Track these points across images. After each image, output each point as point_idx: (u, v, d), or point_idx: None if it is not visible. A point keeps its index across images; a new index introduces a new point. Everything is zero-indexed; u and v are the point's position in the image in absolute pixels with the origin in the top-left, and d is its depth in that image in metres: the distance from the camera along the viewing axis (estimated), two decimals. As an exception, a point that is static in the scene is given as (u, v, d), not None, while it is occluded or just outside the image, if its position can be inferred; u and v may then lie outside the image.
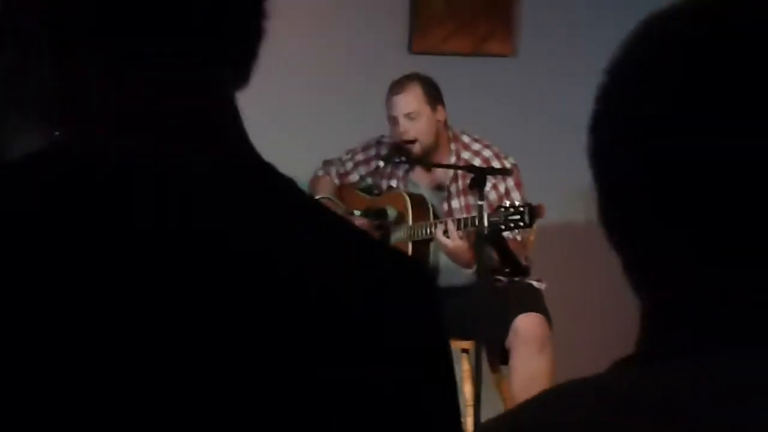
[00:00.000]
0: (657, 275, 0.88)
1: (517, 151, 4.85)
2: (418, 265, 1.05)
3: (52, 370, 0.91)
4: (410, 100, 4.74)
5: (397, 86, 4.77)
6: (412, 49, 5.60)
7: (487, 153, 4.80)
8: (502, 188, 4.71)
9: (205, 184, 0.99)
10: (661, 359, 0.86)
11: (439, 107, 4.79)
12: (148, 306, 0.93)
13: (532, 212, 4.34)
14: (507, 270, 4.73)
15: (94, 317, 0.92)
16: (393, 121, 4.79)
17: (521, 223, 4.35)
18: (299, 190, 1.03)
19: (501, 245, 4.60)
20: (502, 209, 4.38)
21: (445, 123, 4.83)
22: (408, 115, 4.73)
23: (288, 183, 1.03)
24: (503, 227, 4.37)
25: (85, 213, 0.95)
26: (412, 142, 4.74)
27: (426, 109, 4.75)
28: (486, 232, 4.32)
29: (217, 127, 1.03)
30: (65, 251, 0.93)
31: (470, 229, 4.48)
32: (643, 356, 0.89)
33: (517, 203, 4.40)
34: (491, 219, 4.33)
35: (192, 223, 0.96)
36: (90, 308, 0.92)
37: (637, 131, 0.87)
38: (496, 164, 4.74)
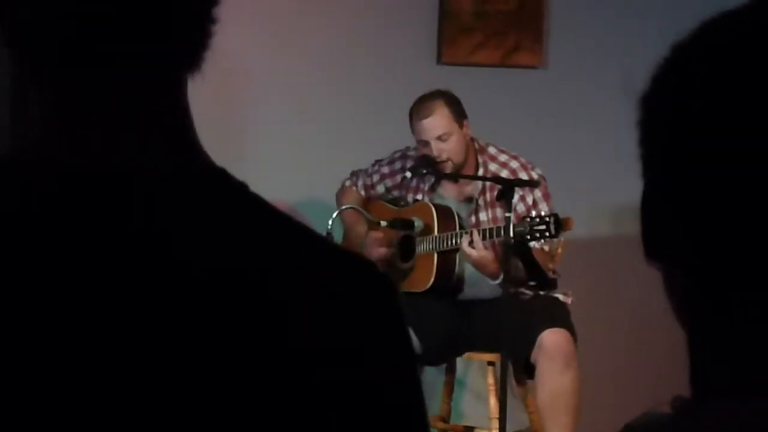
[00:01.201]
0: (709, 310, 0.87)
1: (545, 164, 4.83)
2: (374, 267, 1.03)
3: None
4: (440, 123, 4.71)
5: (422, 110, 4.73)
6: (440, 60, 5.59)
7: (514, 164, 4.78)
8: (529, 199, 4.69)
9: (152, 193, 0.97)
10: (728, 400, 0.85)
11: (465, 122, 4.77)
12: (94, 316, 0.93)
13: (558, 222, 4.33)
14: (533, 282, 4.71)
15: (39, 328, 0.92)
16: (424, 144, 4.75)
17: (547, 234, 4.34)
18: (251, 195, 1.01)
19: (527, 255, 4.58)
20: (528, 219, 4.36)
21: (470, 136, 4.81)
22: (440, 138, 4.70)
23: (239, 188, 1.01)
24: (529, 237, 4.36)
25: (24, 223, 0.95)
26: (445, 161, 4.72)
27: (455, 128, 4.73)
28: (512, 242, 4.31)
29: (164, 134, 1.00)
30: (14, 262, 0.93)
31: (496, 239, 4.46)
32: (709, 396, 0.87)
33: (543, 213, 4.39)
34: (517, 229, 4.33)
35: (137, 234, 0.95)
36: (34, 319, 0.92)
37: (677, 155, 0.86)
38: (523, 175, 4.72)
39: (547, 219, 4.33)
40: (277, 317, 0.95)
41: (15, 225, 0.95)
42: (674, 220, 0.87)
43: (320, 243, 1.01)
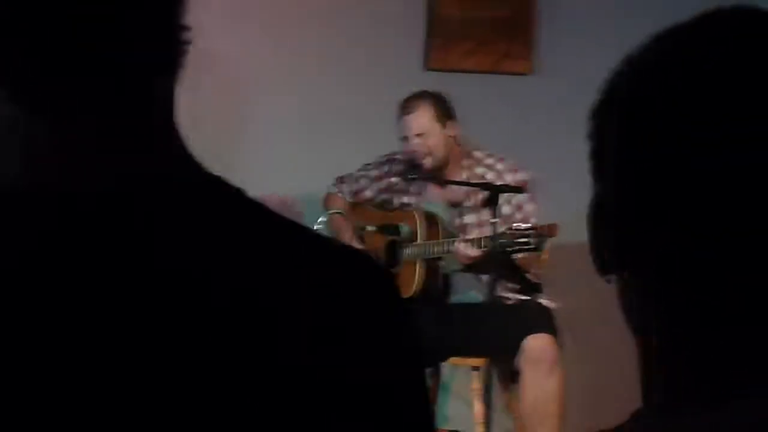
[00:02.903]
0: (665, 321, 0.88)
1: (534, 169, 4.84)
2: (377, 265, 1.01)
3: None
4: (421, 122, 4.77)
5: (407, 106, 4.80)
6: (430, 66, 5.60)
7: (500, 166, 4.81)
8: (515, 201, 4.72)
9: (149, 206, 0.96)
10: (680, 412, 0.86)
11: (450, 123, 4.80)
12: (97, 332, 0.92)
13: (542, 237, 4.35)
14: (517, 287, 4.73)
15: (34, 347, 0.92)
16: (405, 139, 4.81)
17: (529, 247, 4.37)
18: (249, 201, 1.00)
19: (510, 264, 4.60)
20: (509, 232, 4.39)
21: (457, 139, 4.83)
22: (419, 135, 4.76)
23: (236, 194, 1.00)
24: (510, 249, 4.39)
25: (50, 249, 0.94)
26: (425, 157, 4.74)
27: (436, 127, 4.77)
28: (497, 250, 4.34)
29: (155, 145, 0.99)
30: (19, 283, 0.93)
31: (481, 249, 4.49)
32: (662, 408, 0.88)
33: (523, 226, 4.41)
34: (500, 241, 4.34)
35: (136, 249, 0.94)
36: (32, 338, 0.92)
37: (638, 150, 0.87)
38: (509, 177, 4.74)
39: (530, 232, 4.36)
40: (280, 321, 0.94)
41: (14, 252, 0.94)
42: (632, 228, 0.87)
43: (322, 243, 1.00)
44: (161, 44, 0.97)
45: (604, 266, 0.90)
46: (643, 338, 0.90)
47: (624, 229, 0.88)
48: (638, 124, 0.87)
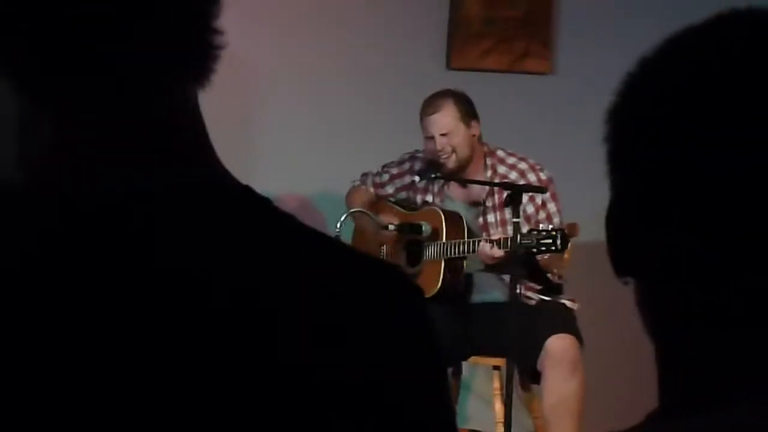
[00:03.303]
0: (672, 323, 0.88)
1: (553, 168, 4.83)
2: (405, 277, 1.01)
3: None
4: (445, 121, 4.75)
5: (430, 106, 4.78)
6: (450, 65, 5.60)
7: (522, 165, 4.80)
8: (538, 199, 4.71)
9: (175, 216, 0.95)
10: (696, 414, 0.86)
11: (473, 122, 4.79)
12: (112, 339, 0.92)
13: (565, 238, 4.34)
14: (539, 287, 4.72)
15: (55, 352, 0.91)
16: (428, 139, 4.80)
17: (553, 248, 4.36)
18: (277, 211, 0.99)
19: (533, 265, 4.59)
20: (535, 232, 4.37)
21: (479, 138, 4.83)
22: (444, 134, 4.74)
23: (265, 204, 0.99)
24: (535, 250, 4.37)
25: (50, 250, 0.93)
26: (449, 154, 4.73)
27: (461, 126, 4.76)
28: (519, 251, 4.33)
29: (183, 153, 0.98)
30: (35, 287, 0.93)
31: (503, 250, 4.48)
32: (673, 410, 0.88)
33: (550, 227, 4.40)
34: (524, 241, 4.33)
35: (163, 257, 0.94)
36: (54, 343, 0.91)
37: (651, 155, 0.87)
38: (531, 176, 4.74)
39: (554, 233, 4.35)
40: (303, 329, 0.93)
41: (20, 254, 0.94)
42: (647, 231, 0.87)
43: (348, 254, 1.00)
44: (186, 47, 0.95)
45: (621, 268, 0.90)
46: (658, 340, 0.90)
47: (640, 230, 0.88)
48: (654, 126, 0.87)
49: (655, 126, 0.87)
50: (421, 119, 4.81)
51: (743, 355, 0.85)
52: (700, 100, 0.85)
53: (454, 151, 4.74)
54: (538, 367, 4.55)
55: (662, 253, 0.87)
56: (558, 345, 4.52)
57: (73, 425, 0.91)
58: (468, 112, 4.78)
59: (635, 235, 0.88)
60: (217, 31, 0.96)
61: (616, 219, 0.91)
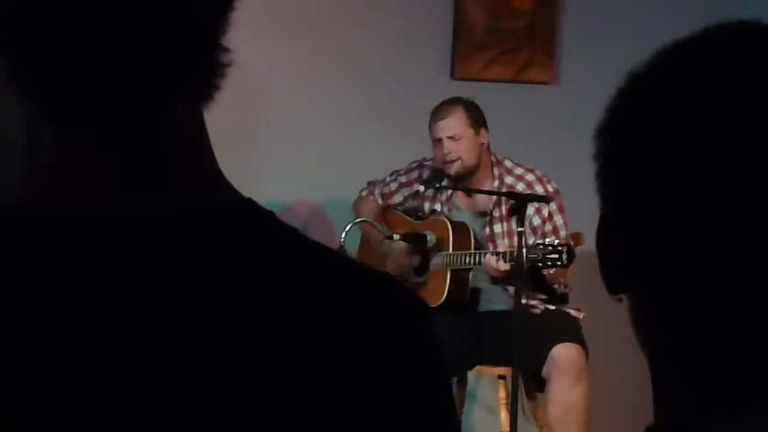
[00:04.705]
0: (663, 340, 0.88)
1: (557, 178, 4.84)
2: (408, 291, 1.01)
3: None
4: (454, 124, 4.76)
5: (440, 112, 4.80)
6: (454, 75, 5.61)
7: (530, 177, 4.80)
8: (545, 211, 4.71)
9: (179, 231, 0.95)
10: (691, 428, 0.86)
11: (482, 130, 4.80)
12: (121, 354, 0.92)
13: (571, 253, 4.35)
14: (544, 297, 4.72)
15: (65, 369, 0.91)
16: (436, 143, 4.80)
17: (558, 263, 4.37)
18: (280, 224, 0.98)
19: (538, 278, 4.60)
20: (540, 246, 4.37)
21: (488, 147, 4.83)
22: (452, 138, 4.75)
23: (267, 218, 0.98)
24: (540, 265, 4.38)
25: (48, 265, 0.93)
26: (455, 160, 4.74)
27: (469, 132, 4.77)
28: (524, 265, 4.33)
29: (186, 168, 0.98)
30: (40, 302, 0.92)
31: (508, 263, 4.49)
32: (672, 425, 0.88)
33: (556, 242, 4.40)
34: (529, 255, 4.33)
35: (166, 273, 0.93)
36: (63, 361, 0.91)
37: (641, 175, 0.87)
38: (539, 188, 4.74)
39: (560, 248, 4.35)
40: (311, 345, 0.93)
41: (28, 271, 0.93)
42: (640, 247, 0.87)
43: (352, 268, 1.00)
44: (193, 65, 0.95)
45: (614, 284, 0.91)
46: (655, 355, 0.90)
47: (633, 246, 0.88)
48: (644, 142, 0.87)
49: (645, 141, 0.87)
50: (430, 125, 4.82)
51: (742, 369, 0.85)
52: (689, 115, 0.85)
53: (460, 157, 4.74)
54: (544, 375, 4.56)
55: (656, 269, 0.86)
56: (563, 353, 4.52)
57: (74, 427, 0.91)
58: (477, 119, 4.80)
59: (628, 252, 0.88)
60: (224, 49, 0.96)
61: (607, 236, 0.90)
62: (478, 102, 4.88)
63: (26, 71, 0.95)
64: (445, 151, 4.74)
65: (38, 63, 0.94)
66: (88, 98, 0.94)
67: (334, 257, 1.00)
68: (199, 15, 0.95)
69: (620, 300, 0.91)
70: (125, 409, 0.91)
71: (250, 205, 0.98)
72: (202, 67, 0.96)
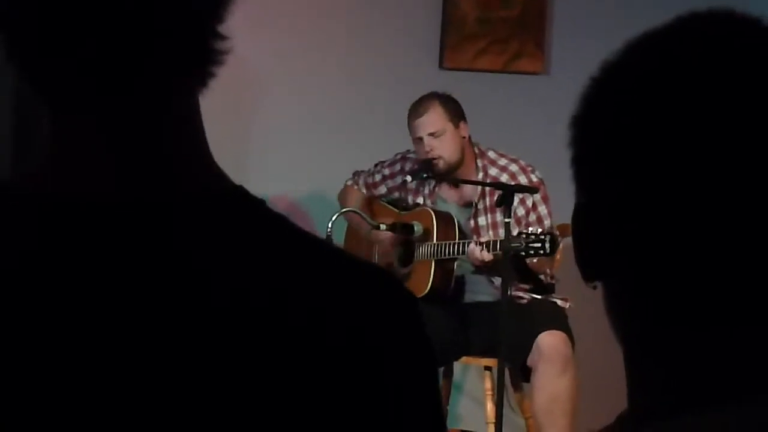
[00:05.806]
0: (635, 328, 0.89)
1: (546, 168, 4.84)
2: (396, 282, 1.01)
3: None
4: (433, 120, 4.74)
5: (417, 109, 4.77)
6: (443, 65, 5.60)
7: (513, 167, 4.79)
8: (529, 202, 4.72)
9: (172, 218, 0.95)
10: (664, 416, 0.86)
11: (461, 123, 4.78)
12: (115, 343, 0.92)
13: (554, 241, 4.35)
14: (530, 286, 4.73)
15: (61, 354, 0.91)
16: (417, 142, 4.79)
17: (542, 252, 4.37)
18: (271, 212, 0.99)
19: (522, 267, 4.61)
20: (524, 236, 4.38)
21: (469, 139, 4.82)
22: (432, 134, 4.73)
23: (258, 206, 0.99)
24: (524, 254, 4.38)
25: (47, 251, 0.93)
26: (437, 159, 4.73)
27: (449, 126, 4.75)
28: (509, 254, 4.33)
29: (179, 155, 0.98)
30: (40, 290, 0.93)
31: (492, 253, 4.49)
32: (648, 413, 0.88)
33: (539, 231, 4.40)
34: (512, 245, 4.33)
35: (159, 260, 0.94)
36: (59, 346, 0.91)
37: (617, 162, 0.87)
38: (522, 179, 4.73)
39: (543, 237, 4.35)
40: (302, 334, 0.94)
41: (27, 257, 0.93)
42: (614, 234, 0.87)
43: (340, 257, 1.00)
44: (191, 52, 0.96)
45: (589, 272, 0.91)
46: (630, 343, 0.91)
47: (607, 234, 0.88)
48: (617, 130, 0.87)
49: (616, 131, 0.87)
50: (409, 124, 4.80)
51: (714, 357, 0.86)
52: (660, 104, 0.86)
53: (443, 153, 4.72)
54: (529, 364, 4.56)
55: (631, 256, 0.87)
56: (549, 341, 4.52)
57: (75, 427, 0.91)
58: (456, 112, 4.78)
59: (603, 239, 0.88)
60: (222, 36, 0.97)
61: (582, 224, 0.91)
62: (466, 92, 4.88)
63: (25, 52, 0.95)
64: (427, 149, 4.73)
65: (37, 44, 0.94)
66: (87, 79, 0.94)
67: (324, 247, 1.00)
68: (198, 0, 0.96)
69: (595, 288, 0.91)
70: (124, 404, 0.91)
71: (242, 192, 0.99)
72: (201, 52, 0.96)
